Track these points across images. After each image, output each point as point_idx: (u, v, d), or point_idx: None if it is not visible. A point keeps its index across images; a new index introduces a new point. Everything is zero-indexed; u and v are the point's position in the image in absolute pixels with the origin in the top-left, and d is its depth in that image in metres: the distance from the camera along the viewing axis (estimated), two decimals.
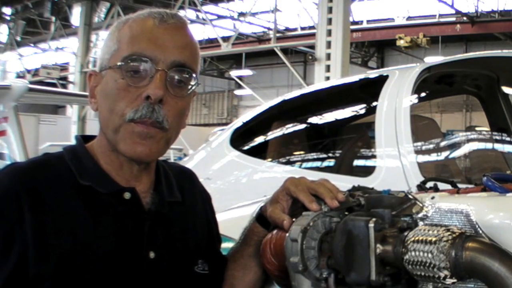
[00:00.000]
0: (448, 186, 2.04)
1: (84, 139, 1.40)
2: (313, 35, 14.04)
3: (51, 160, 1.33)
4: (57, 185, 1.27)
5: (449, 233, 1.03)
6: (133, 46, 1.27)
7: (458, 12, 20.43)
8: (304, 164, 3.61)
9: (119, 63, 1.27)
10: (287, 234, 1.22)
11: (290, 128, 3.81)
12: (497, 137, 3.46)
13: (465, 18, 20.43)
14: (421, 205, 1.18)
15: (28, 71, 24.41)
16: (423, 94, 3.46)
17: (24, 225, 1.19)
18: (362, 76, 3.70)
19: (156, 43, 1.27)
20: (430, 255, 1.02)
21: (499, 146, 3.52)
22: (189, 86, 1.32)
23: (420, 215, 1.16)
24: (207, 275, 1.42)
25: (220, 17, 23.47)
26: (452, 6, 20.09)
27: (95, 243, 1.24)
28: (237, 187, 3.34)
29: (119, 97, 1.26)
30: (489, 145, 3.64)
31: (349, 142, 3.54)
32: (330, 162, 3.55)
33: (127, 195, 1.31)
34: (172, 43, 1.28)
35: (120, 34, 1.31)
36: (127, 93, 1.26)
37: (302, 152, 3.80)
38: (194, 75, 1.32)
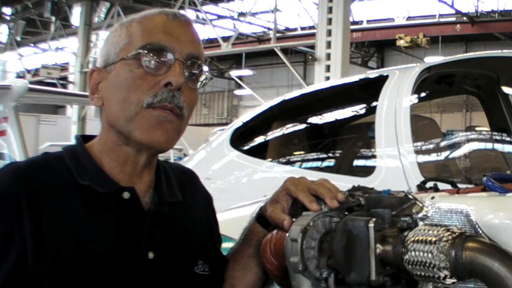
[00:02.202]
0: (448, 186, 2.04)
1: (83, 139, 1.40)
2: (313, 35, 14.05)
3: (50, 160, 1.32)
4: (56, 185, 1.26)
5: (449, 233, 1.03)
6: (149, 38, 1.29)
7: (458, 12, 20.44)
8: (304, 164, 3.61)
9: (137, 51, 1.27)
10: (287, 234, 1.22)
11: (290, 128, 3.81)
12: (497, 137, 3.46)
13: (465, 18, 20.43)
14: (421, 205, 1.18)
15: (28, 71, 24.41)
16: (423, 94, 3.46)
17: (23, 225, 1.19)
18: (362, 76, 3.70)
19: (173, 35, 1.29)
20: (430, 255, 1.02)
21: (499, 146, 3.52)
22: (201, 80, 1.34)
23: (420, 215, 1.16)
24: (207, 276, 1.41)
25: (220, 17, 23.48)
26: (452, 6, 20.10)
27: (94, 243, 1.24)
28: (237, 187, 3.34)
29: (135, 86, 1.27)
30: (489, 145, 3.64)
31: (349, 142, 3.54)
32: (330, 162, 3.55)
33: (126, 195, 1.31)
34: (187, 37, 1.31)
35: (129, 30, 1.32)
36: (143, 81, 1.27)
37: (302, 152, 3.80)
38: (205, 69, 1.35)
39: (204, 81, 1.35)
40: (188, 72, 1.31)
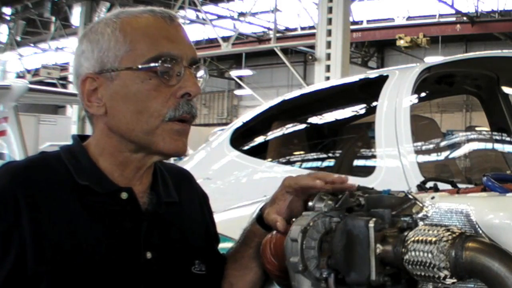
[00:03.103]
0: (448, 186, 2.04)
1: (80, 138, 1.39)
2: (313, 35, 14.05)
3: (48, 159, 1.32)
4: (54, 184, 1.26)
5: (449, 233, 1.03)
6: (157, 47, 1.27)
7: (458, 12, 20.43)
8: (304, 164, 3.61)
9: (149, 64, 1.26)
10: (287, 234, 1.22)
11: (290, 128, 3.81)
12: (497, 137, 3.46)
13: (465, 18, 20.43)
14: (421, 205, 1.18)
15: (28, 71, 24.39)
16: (423, 94, 3.47)
17: (21, 225, 1.19)
18: (362, 76, 3.70)
19: (176, 42, 1.30)
20: (430, 255, 1.02)
21: (499, 146, 3.52)
22: (200, 78, 1.36)
23: (420, 215, 1.16)
24: (204, 276, 1.42)
25: (220, 17, 23.47)
26: (452, 6, 20.10)
27: (92, 243, 1.24)
28: (237, 187, 3.34)
29: (150, 98, 1.26)
30: (489, 145, 3.64)
31: (349, 142, 3.54)
32: (330, 162, 3.55)
33: (124, 195, 1.31)
34: (185, 41, 1.33)
35: (126, 35, 1.28)
36: (158, 93, 1.26)
37: (302, 152, 3.80)
38: (203, 70, 1.37)
39: (202, 82, 1.36)
40: (198, 74, 1.33)
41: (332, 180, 1.29)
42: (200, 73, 1.35)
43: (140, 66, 1.26)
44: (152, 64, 1.26)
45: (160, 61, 1.26)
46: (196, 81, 1.31)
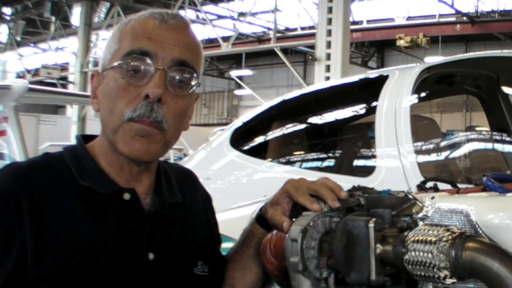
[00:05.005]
0: (448, 186, 2.04)
1: (85, 138, 1.39)
2: (313, 35, 14.04)
3: (50, 160, 1.32)
4: (57, 185, 1.26)
5: (449, 233, 1.03)
6: (133, 44, 1.27)
7: (458, 12, 20.43)
8: (304, 164, 3.61)
9: (119, 62, 1.26)
10: (287, 234, 1.22)
11: (290, 128, 3.81)
12: (497, 137, 3.46)
13: (465, 18, 20.43)
14: (421, 205, 1.18)
15: (28, 71, 24.39)
16: (423, 94, 3.46)
17: (23, 226, 1.18)
18: (362, 76, 3.70)
19: (157, 40, 1.26)
20: (430, 255, 1.02)
21: (499, 146, 3.52)
22: (190, 86, 1.31)
23: (420, 215, 1.16)
24: (206, 277, 1.41)
25: (220, 17, 23.47)
26: (452, 6, 20.09)
27: (94, 244, 1.23)
28: (237, 187, 3.34)
29: (119, 97, 1.26)
30: (489, 145, 3.64)
31: (349, 142, 3.54)
32: (330, 162, 3.55)
33: (126, 196, 1.30)
34: (173, 41, 1.28)
35: (121, 35, 1.31)
36: (126, 93, 1.25)
37: (302, 152, 3.80)
38: (195, 74, 1.31)
39: (194, 87, 1.31)
40: (179, 77, 1.28)
41: (332, 205, 1.23)
42: (190, 74, 1.29)
43: (115, 64, 1.27)
44: (121, 62, 1.26)
45: (128, 58, 1.25)
46: (163, 83, 1.24)
